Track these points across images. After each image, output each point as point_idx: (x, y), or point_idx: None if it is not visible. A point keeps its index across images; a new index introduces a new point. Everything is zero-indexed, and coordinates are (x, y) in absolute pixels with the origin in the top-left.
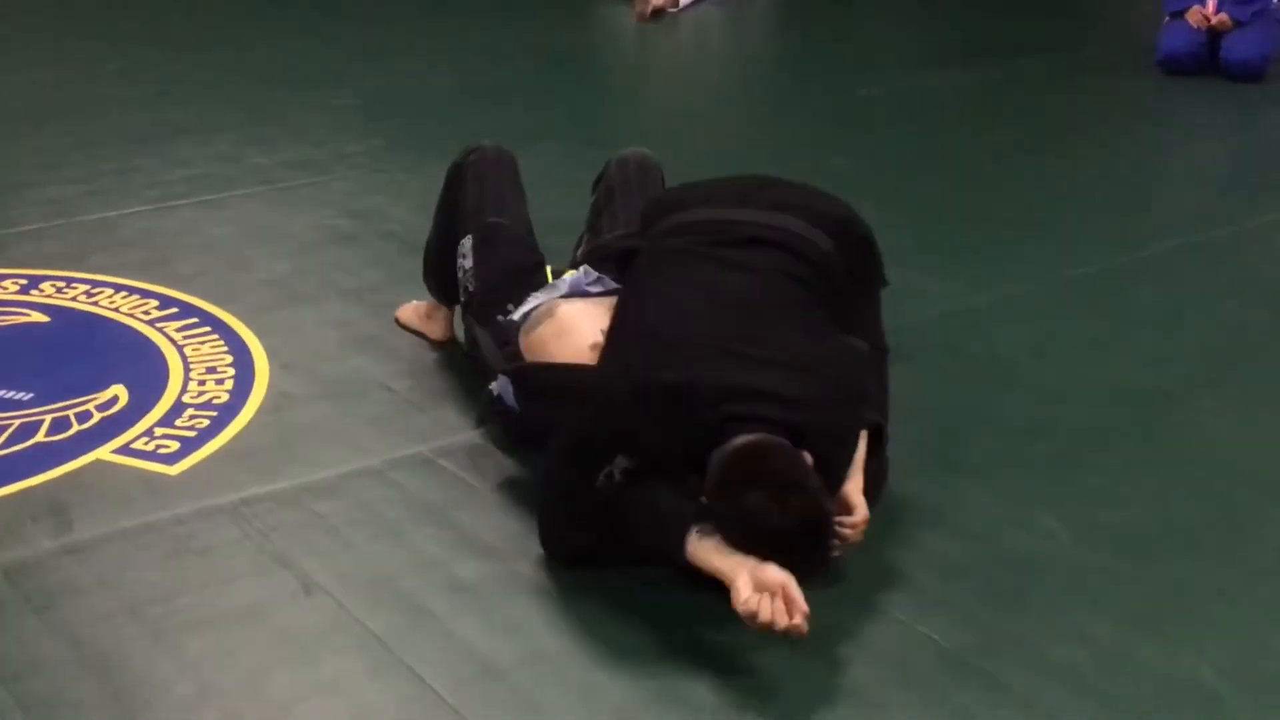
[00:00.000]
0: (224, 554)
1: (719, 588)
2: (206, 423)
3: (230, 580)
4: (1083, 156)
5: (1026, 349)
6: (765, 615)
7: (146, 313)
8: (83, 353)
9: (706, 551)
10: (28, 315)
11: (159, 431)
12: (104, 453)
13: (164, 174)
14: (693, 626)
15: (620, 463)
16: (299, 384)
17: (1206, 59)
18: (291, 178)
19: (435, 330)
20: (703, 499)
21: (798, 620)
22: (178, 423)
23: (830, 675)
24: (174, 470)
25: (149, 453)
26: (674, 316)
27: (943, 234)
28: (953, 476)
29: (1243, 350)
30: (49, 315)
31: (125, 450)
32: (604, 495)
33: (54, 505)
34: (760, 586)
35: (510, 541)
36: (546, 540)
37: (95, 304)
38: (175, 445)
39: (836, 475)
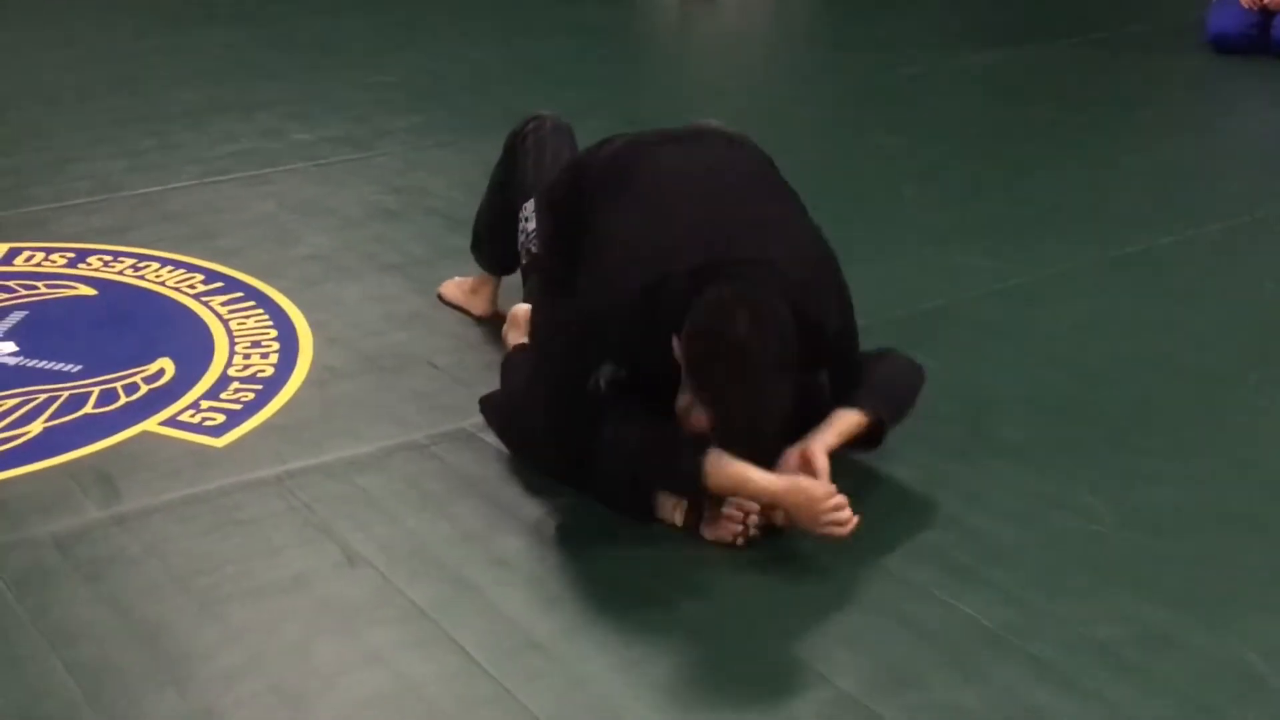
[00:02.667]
0: (269, 525)
1: (759, 562)
2: (251, 396)
3: (275, 551)
4: (1128, 135)
5: (1069, 328)
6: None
7: (192, 287)
8: (130, 326)
9: (734, 467)
10: (76, 288)
11: (205, 404)
12: (151, 424)
13: (207, 150)
14: (736, 599)
15: (607, 371)
16: (343, 358)
17: (1257, 38)
18: (334, 154)
19: (478, 305)
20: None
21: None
22: (223, 396)
23: (873, 653)
24: (220, 442)
25: (195, 425)
26: (648, 207)
27: (986, 213)
28: (994, 456)
29: None
30: (96, 289)
31: (172, 422)
32: (594, 402)
33: (102, 476)
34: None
35: (552, 515)
36: (536, 445)
37: (142, 278)
38: (221, 418)
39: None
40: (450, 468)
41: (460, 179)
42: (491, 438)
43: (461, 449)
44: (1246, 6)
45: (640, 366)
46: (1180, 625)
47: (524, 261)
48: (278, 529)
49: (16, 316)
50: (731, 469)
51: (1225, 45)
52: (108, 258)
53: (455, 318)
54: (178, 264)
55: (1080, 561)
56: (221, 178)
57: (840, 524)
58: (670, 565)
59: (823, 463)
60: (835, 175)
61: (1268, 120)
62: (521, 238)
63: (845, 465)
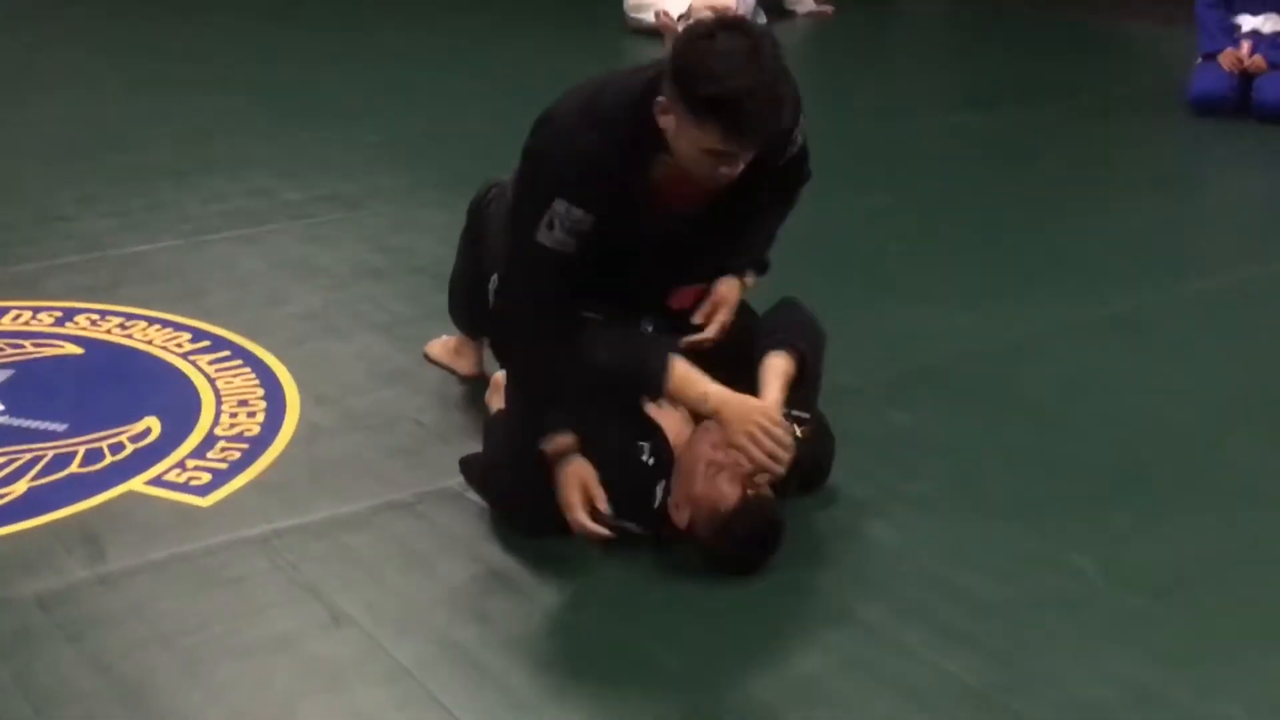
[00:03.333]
0: (254, 585)
1: (745, 617)
2: (238, 455)
3: (260, 611)
4: (1111, 196)
5: (1054, 386)
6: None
7: (179, 345)
8: (116, 384)
9: (694, 378)
10: (62, 347)
11: (191, 463)
12: (137, 484)
13: (197, 208)
14: (721, 655)
15: (560, 208)
16: (329, 417)
17: (1237, 100)
18: (323, 212)
19: (464, 365)
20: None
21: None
22: (209, 454)
23: (858, 712)
24: (205, 501)
25: (181, 484)
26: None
27: (974, 272)
28: (982, 514)
29: (1276, 389)
30: (83, 347)
31: (157, 481)
32: (553, 257)
33: (87, 535)
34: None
35: (537, 574)
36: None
37: (129, 336)
38: (207, 477)
39: None
40: (436, 526)
41: (448, 238)
42: (478, 496)
43: (447, 507)
44: (1227, 69)
45: (607, 220)
46: (1169, 684)
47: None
48: (263, 588)
49: (3, 375)
50: (692, 374)
51: (1206, 108)
52: (95, 316)
53: (441, 376)
54: (165, 322)
55: (1067, 620)
56: (210, 236)
57: (759, 444)
58: (663, 628)
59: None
60: (821, 233)
61: (1248, 182)
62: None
63: (830, 524)
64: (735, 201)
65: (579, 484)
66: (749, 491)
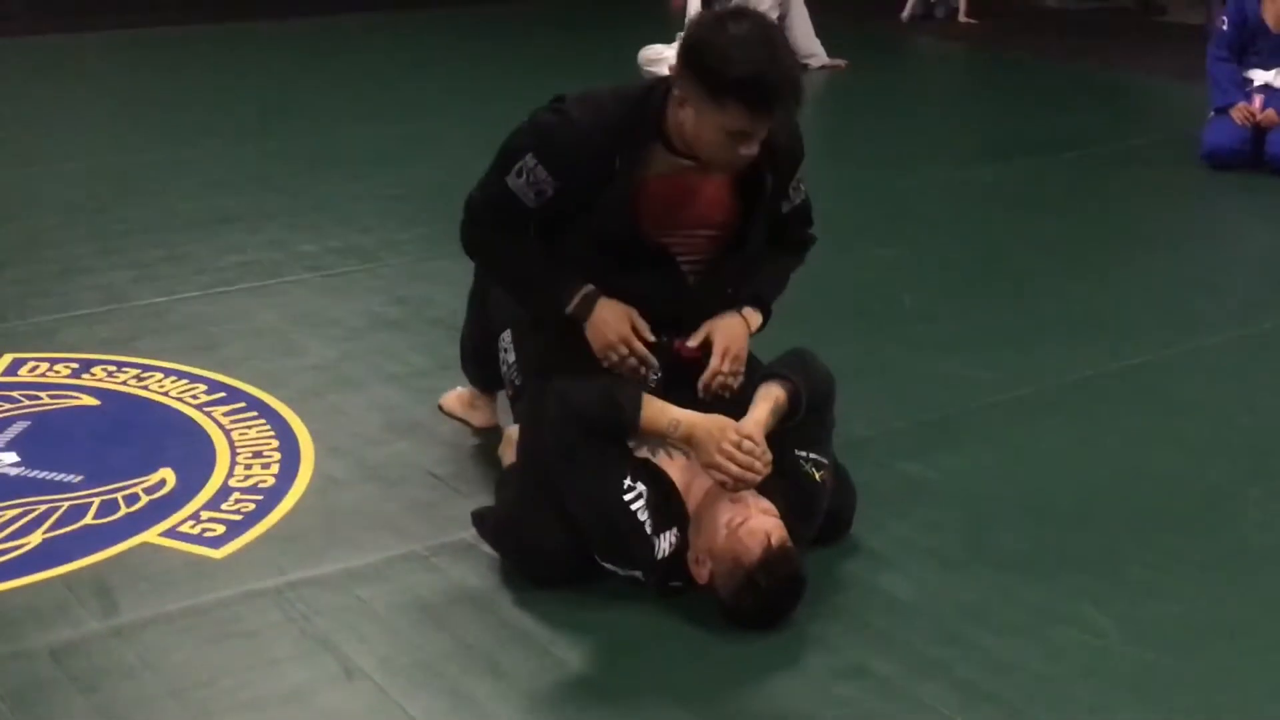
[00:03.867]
0: (267, 637)
1: (760, 675)
2: (252, 506)
3: (273, 664)
4: (1126, 248)
5: (1070, 440)
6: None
7: (195, 397)
8: (132, 436)
9: (663, 408)
10: (79, 399)
11: (205, 515)
12: (151, 535)
13: (214, 260)
14: (737, 713)
15: (529, 162)
16: (344, 469)
17: (1250, 154)
18: (339, 264)
19: (478, 417)
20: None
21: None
22: (224, 506)
23: None
24: (219, 554)
25: (195, 536)
26: None
27: (987, 325)
28: (997, 569)
29: None
30: (99, 399)
31: (172, 533)
32: (512, 200)
33: (100, 587)
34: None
35: (552, 630)
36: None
37: (145, 388)
38: (221, 529)
39: None
40: (449, 579)
41: (464, 290)
42: (490, 549)
43: (461, 560)
44: (1240, 123)
45: (570, 194)
46: None
47: (509, 393)
48: (276, 641)
49: (19, 427)
50: (660, 405)
51: (1219, 160)
52: (111, 368)
53: (455, 429)
54: (181, 374)
55: (1084, 676)
56: (228, 288)
57: (733, 460)
58: (669, 673)
59: (758, 436)
60: (836, 284)
61: (1263, 234)
62: (504, 368)
63: (845, 576)
64: (737, 243)
65: (624, 316)
66: (772, 544)
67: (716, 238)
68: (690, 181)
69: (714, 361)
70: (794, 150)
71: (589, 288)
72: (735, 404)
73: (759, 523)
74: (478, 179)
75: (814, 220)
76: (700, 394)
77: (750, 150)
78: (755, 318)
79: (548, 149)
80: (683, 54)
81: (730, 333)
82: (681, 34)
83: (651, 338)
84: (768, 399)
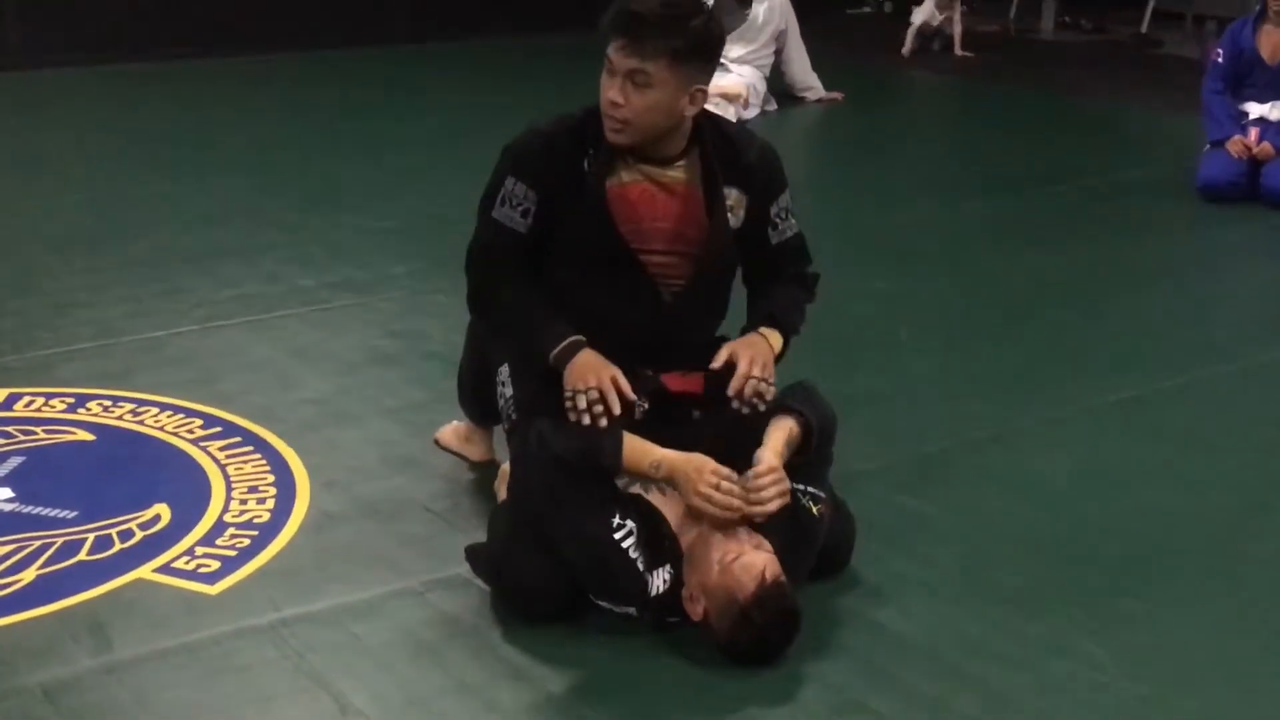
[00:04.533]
0: (261, 674)
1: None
2: (247, 542)
3: (267, 700)
4: (1122, 281)
5: (1066, 474)
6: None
7: (190, 432)
8: (127, 471)
9: (645, 448)
10: (74, 434)
11: (200, 550)
12: (145, 571)
13: (209, 294)
14: None
15: (509, 185)
16: (339, 503)
17: (1246, 187)
18: (335, 298)
19: (474, 452)
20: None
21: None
22: (219, 542)
23: None
24: (214, 590)
25: (189, 572)
26: None
27: (982, 358)
28: (994, 603)
29: None
30: (95, 434)
31: (166, 569)
32: (506, 234)
33: (94, 624)
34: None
35: (547, 666)
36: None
37: (140, 423)
38: (216, 564)
39: None
40: (444, 615)
41: (459, 323)
42: (485, 585)
43: (456, 595)
44: (1235, 155)
45: (550, 202)
46: None
47: (505, 427)
48: (270, 678)
49: (14, 462)
50: (642, 446)
51: (1214, 193)
52: (107, 403)
53: (452, 463)
54: (177, 409)
55: (1083, 710)
56: (224, 322)
57: (714, 499)
58: (664, 710)
59: (773, 462)
60: (831, 319)
61: (1258, 267)
62: (501, 402)
63: (841, 611)
64: (720, 272)
65: (605, 364)
66: (765, 579)
67: (694, 258)
68: (653, 190)
69: (741, 366)
70: (766, 168)
71: (578, 338)
72: (750, 432)
73: (752, 558)
74: (471, 210)
75: (811, 256)
76: (732, 403)
77: (612, 92)
78: (775, 337)
79: (520, 162)
80: None
81: (753, 347)
82: None
83: (632, 396)
84: (782, 429)
